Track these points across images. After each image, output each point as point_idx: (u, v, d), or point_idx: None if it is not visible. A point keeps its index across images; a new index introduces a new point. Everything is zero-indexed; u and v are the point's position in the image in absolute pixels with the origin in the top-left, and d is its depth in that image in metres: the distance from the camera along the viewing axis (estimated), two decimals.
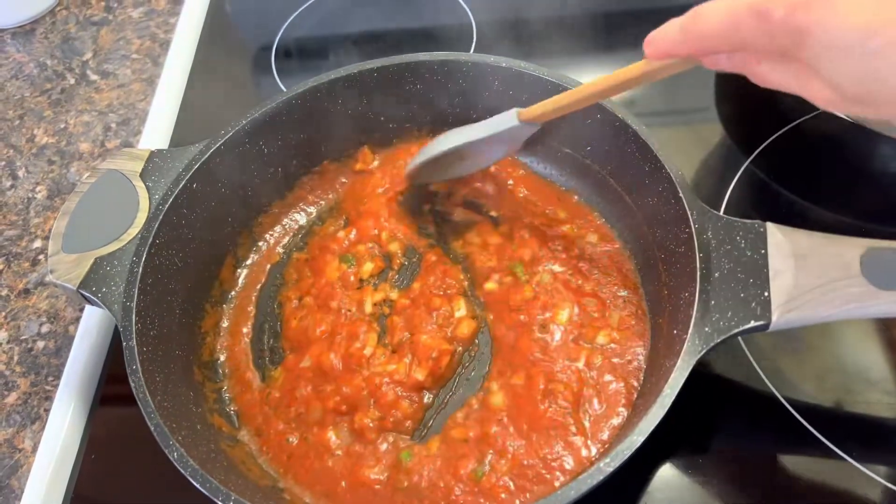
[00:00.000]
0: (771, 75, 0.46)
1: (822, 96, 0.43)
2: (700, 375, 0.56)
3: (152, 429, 0.57)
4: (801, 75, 0.43)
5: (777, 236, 0.60)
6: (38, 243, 0.89)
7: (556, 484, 0.61)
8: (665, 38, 0.48)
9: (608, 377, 0.66)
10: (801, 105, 0.88)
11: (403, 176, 0.81)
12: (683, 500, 0.64)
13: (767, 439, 0.67)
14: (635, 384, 0.66)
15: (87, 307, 0.81)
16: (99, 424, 0.73)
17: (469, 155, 0.74)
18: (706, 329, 0.58)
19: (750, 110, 0.94)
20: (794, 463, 0.65)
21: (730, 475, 0.64)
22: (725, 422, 0.68)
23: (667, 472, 0.65)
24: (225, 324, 0.76)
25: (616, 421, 0.64)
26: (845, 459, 0.63)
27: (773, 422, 0.67)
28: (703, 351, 0.57)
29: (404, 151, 0.84)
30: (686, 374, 0.56)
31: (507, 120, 0.69)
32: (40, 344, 0.81)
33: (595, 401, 0.65)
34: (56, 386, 0.76)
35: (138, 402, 0.59)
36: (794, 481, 0.64)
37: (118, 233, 0.69)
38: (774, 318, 0.57)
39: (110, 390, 0.75)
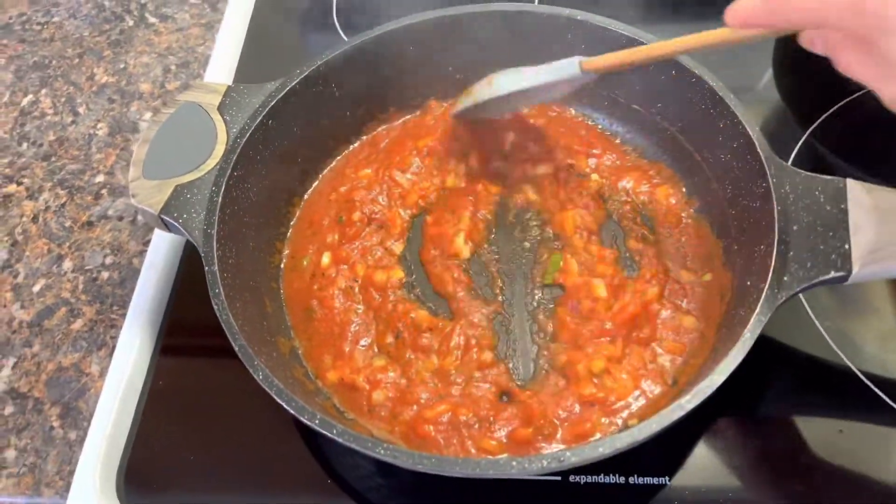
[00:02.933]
0: (854, 66, 0.50)
1: None
2: (762, 336, 0.57)
3: (237, 349, 0.58)
4: (884, 73, 0.47)
5: (858, 191, 0.61)
6: (100, 178, 0.90)
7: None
8: (748, 7, 0.50)
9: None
10: None
11: (448, 115, 0.81)
12: (743, 451, 0.65)
13: (830, 401, 0.67)
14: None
15: (153, 241, 0.82)
16: (166, 353, 0.74)
17: (520, 98, 0.75)
18: (785, 279, 0.59)
19: (809, 81, 0.94)
20: (857, 427, 0.66)
21: (790, 432, 0.66)
22: (786, 381, 0.69)
23: (727, 425, 0.66)
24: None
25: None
26: None
27: (837, 384, 0.68)
28: (783, 300, 0.58)
29: None
30: (765, 320, 0.57)
31: (567, 67, 0.69)
32: (105, 274, 0.82)
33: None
34: (122, 315, 0.77)
35: (222, 324, 0.60)
36: (856, 444, 0.65)
37: (197, 163, 0.69)
38: (855, 269, 0.57)
39: (177, 321, 0.76)
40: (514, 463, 0.52)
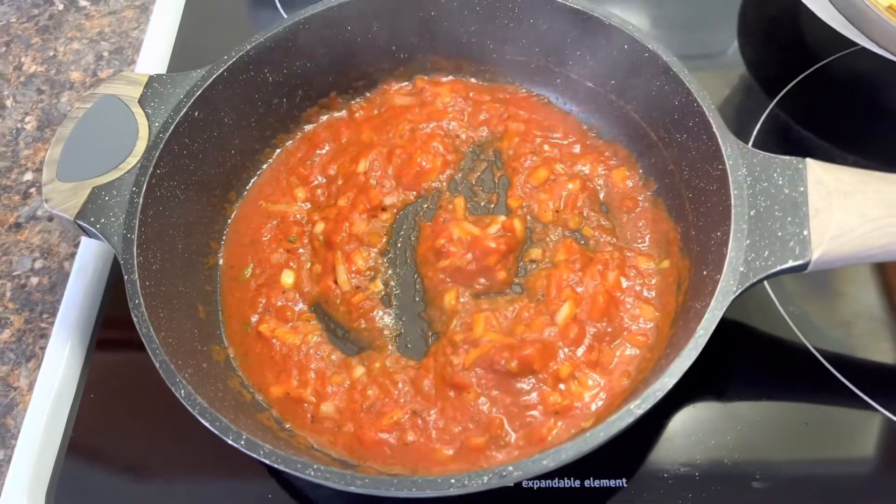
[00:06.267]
0: None
1: None
2: (724, 320, 0.54)
3: (157, 365, 0.54)
4: None
5: (817, 173, 0.57)
6: (28, 176, 0.85)
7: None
8: None
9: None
10: (829, 43, 0.85)
11: None
12: (704, 444, 0.62)
13: (793, 386, 0.65)
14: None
15: (83, 242, 0.77)
16: (98, 363, 0.70)
17: None
18: (741, 269, 0.55)
19: (775, 50, 0.90)
20: (819, 410, 0.63)
21: (753, 421, 0.63)
22: (749, 367, 0.67)
23: (688, 416, 0.64)
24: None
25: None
26: (874, 407, 0.62)
27: (800, 368, 0.65)
28: (739, 291, 0.54)
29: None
30: (720, 315, 0.53)
31: None
32: (34, 280, 0.77)
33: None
34: (51, 323, 0.73)
35: (142, 338, 0.56)
36: (819, 428, 0.62)
37: (116, 161, 0.65)
38: (814, 257, 0.54)
39: (109, 328, 0.72)
40: (452, 480, 0.49)
